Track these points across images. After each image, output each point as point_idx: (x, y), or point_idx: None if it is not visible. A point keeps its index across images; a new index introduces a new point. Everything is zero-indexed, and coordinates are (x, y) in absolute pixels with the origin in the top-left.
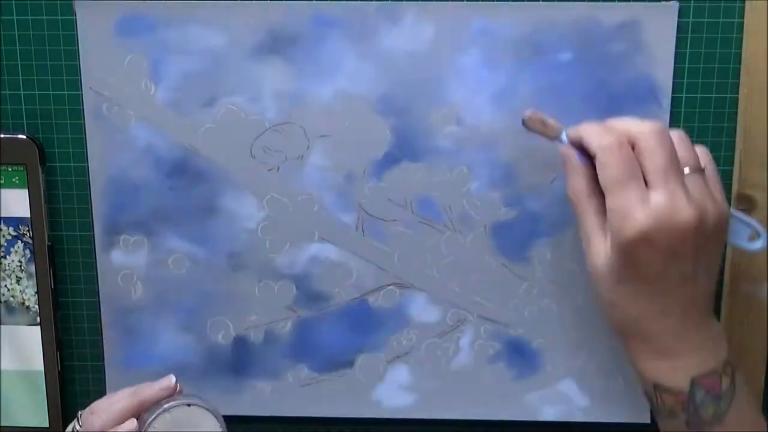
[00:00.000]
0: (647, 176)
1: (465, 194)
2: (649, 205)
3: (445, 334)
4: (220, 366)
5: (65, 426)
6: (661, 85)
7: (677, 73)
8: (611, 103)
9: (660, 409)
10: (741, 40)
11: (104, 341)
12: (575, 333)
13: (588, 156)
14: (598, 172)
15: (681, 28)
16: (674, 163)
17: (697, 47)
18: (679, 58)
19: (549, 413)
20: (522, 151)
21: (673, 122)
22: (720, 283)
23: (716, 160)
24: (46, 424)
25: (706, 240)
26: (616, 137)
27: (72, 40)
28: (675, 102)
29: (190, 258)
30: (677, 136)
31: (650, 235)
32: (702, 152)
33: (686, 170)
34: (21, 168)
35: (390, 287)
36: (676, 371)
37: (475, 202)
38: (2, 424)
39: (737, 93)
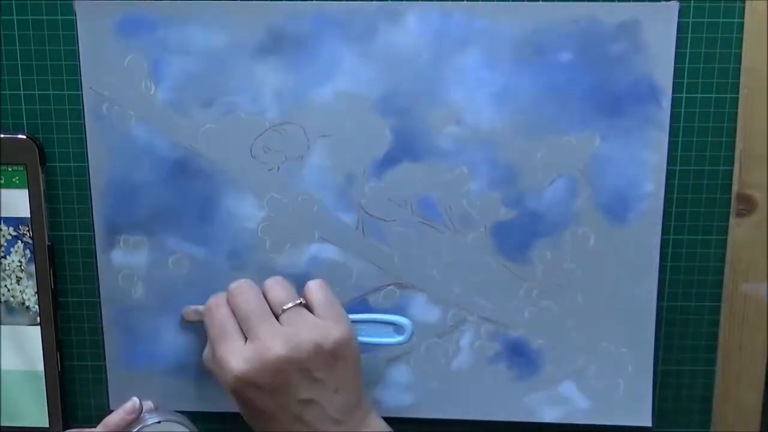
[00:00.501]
0: (241, 326)
1: (465, 194)
2: (241, 352)
3: (445, 334)
4: None
5: (65, 426)
6: (661, 85)
7: (677, 73)
8: (611, 103)
9: None
10: (741, 40)
11: (105, 341)
12: (575, 334)
13: None
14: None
15: (681, 28)
16: (257, 309)
17: (697, 47)
18: (679, 58)
19: (549, 415)
20: (522, 152)
21: (674, 122)
22: (719, 283)
23: (716, 160)
24: (46, 424)
25: (313, 365)
26: (214, 300)
27: (72, 40)
28: (675, 102)
29: (190, 258)
30: (270, 282)
31: (246, 377)
32: (313, 284)
33: (285, 308)
34: (21, 168)
35: (390, 287)
36: None
37: (476, 202)
38: (2, 424)
39: (737, 93)
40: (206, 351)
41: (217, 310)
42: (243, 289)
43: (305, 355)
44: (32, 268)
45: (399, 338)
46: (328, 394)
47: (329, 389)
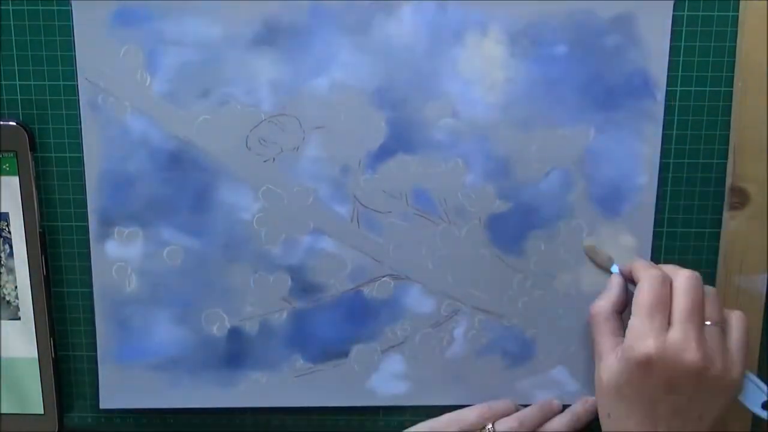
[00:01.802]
0: (672, 313)
1: (460, 186)
2: (663, 337)
3: (439, 324)
4: (215, 358)
5: (60, 414)
6: (655, 78)
7: (672, 67)
8: (606, 96)
9: None
10: (736, 33)
11: (98, 333)
12: (567, 323)
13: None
14: (635, 294)
15: (676, 22)
16: (697, 310)
17: (692, 41)
18: (673, 51)
19: (541, 398)
20: (517, 144)
21: (668, 115)
22: (712, 276)
23: (710, 153)
24: (41, 411)
25: (706, 388)
26: (663, 273)
27: (68, 30)
28: (669, 95)
29: (185, 250)
30: (711, 291)
31: (654, 362)
32: (738, 317)
33: (708, 323)
34: (11, 155)
35: (385, 279)
36: None
37: (470, 194)
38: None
39: (732, 86)
40: (603, 300)
41: (662, 286)
42: (698, 282)
43: (711, 376)
44: (12, 263)
45: (764, 413)
46: (696, 417)
47: (698, 414)
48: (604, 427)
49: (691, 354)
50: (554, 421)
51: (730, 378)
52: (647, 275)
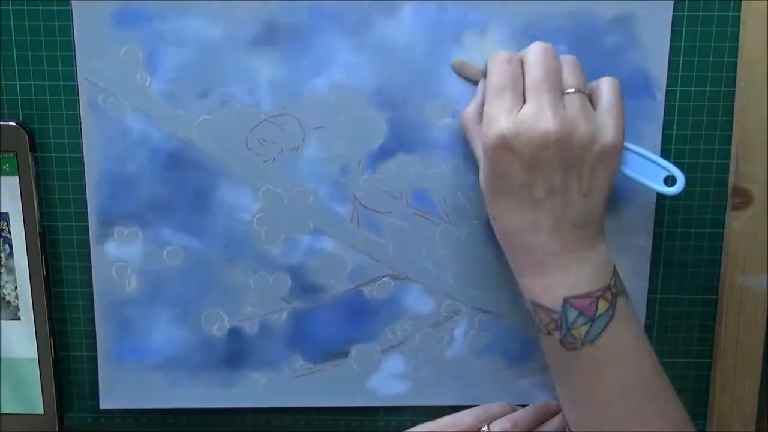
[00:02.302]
0: (525, 89)
1: (460, 186)
2: (516, 113)
3: (439, 324)
4: (215, 358)
5: (60, 414)
6: (656, 78)
7: (672, 67)
8: None
9: (538, 326)
10: (737, 33)
11: (98, 333)
12: None
13: None
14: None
15: (676, 22)
16: (551, 79)
17: (693, 41)
18: (674, 51)
19: (541, 398)
20: None
21: (668, 115)
22: (713, 276)
23: (711, 153)
24: (41, 412)
25: (577, 159)
26: (507, 53)
27: (68, 30)
28: (670, 95)
29: (185, 250)
30: (568, 59)
31: (510, 140)
32: (607, 81)
33: (569, 90)
34: (11, 155)
35: (384, 279)
36: (549, 290)
37: (470, 194)
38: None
39: (733, 86)
40: (471, 106)
41: (509, 63)
42: (548, 53)
43: (576, 143)
44: (12, 263)
45: (670, 189)
46: (578, 193)
47: (581, 188)
48: (495, 230)
49: (545, 122)
50: (551, 422)
51: (602, 143)
52: (493, 59)
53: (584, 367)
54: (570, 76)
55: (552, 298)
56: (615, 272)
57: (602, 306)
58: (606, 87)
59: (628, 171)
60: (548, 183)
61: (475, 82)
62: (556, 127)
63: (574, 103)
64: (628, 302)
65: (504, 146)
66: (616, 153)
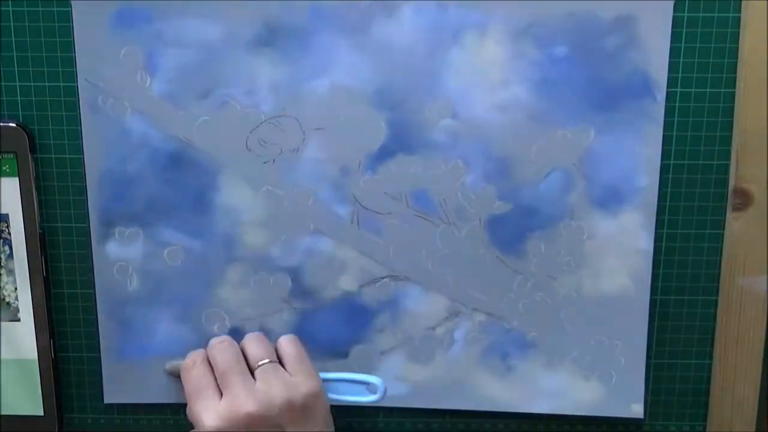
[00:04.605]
0: (218, 382)
1: (460, 187)
2: (215, 409)
3: (439, 326)
4: None
5: (60, 415)
6: (656, 79)
7: (672, 68)
8: (606, 97)
9: None
10: (737, 34)
11: (100, 333)
12: (569, 326)
13: None
14: None
15: (676, 23)
16: (235, 366)
17: (693, 42)
18: (674, 52)
19: (542, 406)
20: (517, 145)
21: (668, 116)
22: (716, 277)
23: (710, 154)
24: (41, 413)
25: (285, 419)
26: (191, 358)
27: (68, 31)
28: (670, 96)
29: (185, 250)
30: (251, 337)
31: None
32: (285, 340)
33: (260, 364)
34: (11, 156)
35: (385, 280)
36: None
37: (470, 195)
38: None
39: (733, 88)
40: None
41: (193, 368)
42: (224, 346)
43: (276, 411)
44: (12, 264)
45: (372, 397)
46: None
47: None
48: None
49: (243, 407)
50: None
51: (302, 397)
52: (182, 368)
53: None
54: (256, 351)
55: None
56: None
57: None
58: (285, 344)
59: (335, 396)
60: None
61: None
62: (254, 407)
63: (265, 374)
64: None
65: None
66: (318, 398)
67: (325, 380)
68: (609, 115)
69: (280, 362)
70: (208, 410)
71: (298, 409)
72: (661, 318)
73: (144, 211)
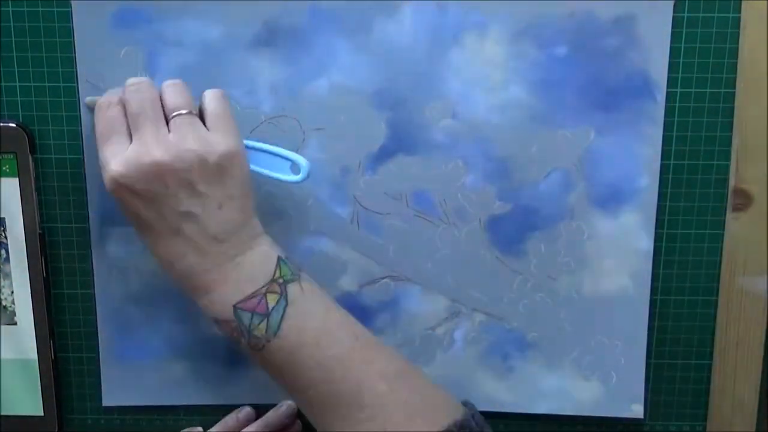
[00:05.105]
0: (129, 126)
1: (460, 188)
2: (123, 154)
3: (439, 326)
4: (215, 357)
5: (60, 415)
6: (656, 79)
7: (672, 68)
8: (606, 97)
9: (228, 340)
10: (737, 35)
11: (99, 333)
12: (569, 327)
13: None
14: None
15: (676, 23)
16: (148, 110)
17: (693, 42)
18: (674, 52)
19: (542, 406)
20: (517, 145)
21: (668, 116)
22: (716, 277)
23: (710, 154)
24: (41, 413)
25: (195, 176)
26: (106, 97)
27: (68, 31)
28: (670, 96)
29: None
30: (169, 83)
31: (123, 181)
32: (210, 93)
33: (176, 114)
34: (11, 156)
35: (385, 280)
36: (218, 303)
37: (470, 195)
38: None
39: (733, 88)
40: None
41: (108, 108)
42: (140, 87)
43: (187, 165)
44: (8, 268)
45: (295, 177)
46: (210, 209)
47: (212, 205)
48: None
49: (150, 155)
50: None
51: (216, 155)
52: (96, 107)
53: (279, 358)
54: (173, 100)
55: (223, 310)
56: (280, 262)
57: (272, 299)
58: (208, 98)
59: (254, 167)
60: (176, 209)
61: None
62: (163, 156)
63: (179, 125)
64: (305, 284)
65: (121, 189)
66: (235, 159)
67: (247, 147)
68: (609, 116)
69: (202, 119)
70: (115, 155)
71: (212, 167)
72: (661, 318)
73: None
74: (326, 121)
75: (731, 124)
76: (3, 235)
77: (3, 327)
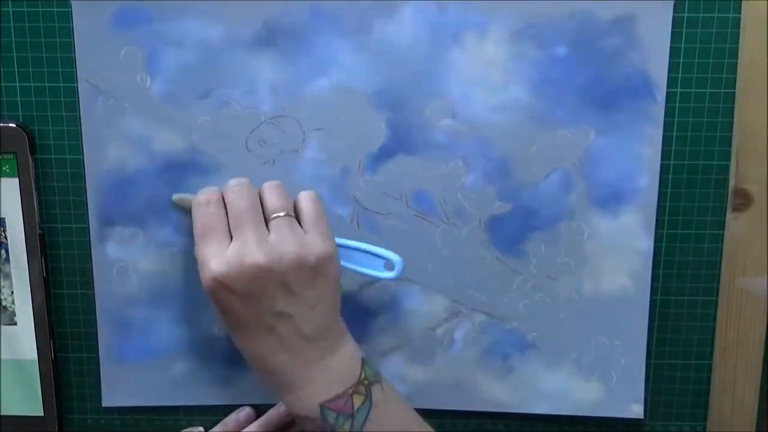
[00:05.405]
0: (230, 226)
1: (460, 188)
2: (224, 254)
3: (439, 326)
4: (215, 357)
5: (60, 415)
6: (656, 79)
7: (672, 68)
8: (606, 97)
9: None
10: (737, 35)
11: (99, 333)
12: (569, 327)
13: None
14: None
15: (676, 23)
16: (250, 212)
17: (693, 42)
18: (674, 52)
19: (542, 407)
20: (517, 145)
21: (668, 117)
22: (716, 277)
23: (710, 155)
24: (41, 413)
25: (292, 278)
26: (205, 195)
27: (68, 32)
28: (670, 97)
29: (185, 251)
30: (268, 185)
31: (222, 281)
32: (304, 196)
33: (276, 215)
34: (11, 156)
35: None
36: (305, 401)
37: (470, 195)
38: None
39: (733, 88)
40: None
41: (207, 206)
42: (242, 187)
43: (286, 267)
44: (8, 268)
45: (389, 274)
46: (304, 310)
47: (306, 305)
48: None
49: (251, 257)
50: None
51: (314, 257)
52: (194, 203)
53: None
54: (273, 202)
55: (311, 408)
56: (364, 364)
57: (357, 400)
58: (304, 201)
59: (350, 265)
60: (271, 309)
61: None
62: (263, 259)
63: (279, 227)
64: (386, 386)
65: (219, 288)
66: (330, 261)
67: (340, 246)
68: (609, 116)
69: (298, 219)
70: (216, 255)
71: (308, 270)
72: (661, 318)
73: (144, 211)
74: (326, 121)
75: (731, 124)
76: (3, 235)
77: (3, 327)
